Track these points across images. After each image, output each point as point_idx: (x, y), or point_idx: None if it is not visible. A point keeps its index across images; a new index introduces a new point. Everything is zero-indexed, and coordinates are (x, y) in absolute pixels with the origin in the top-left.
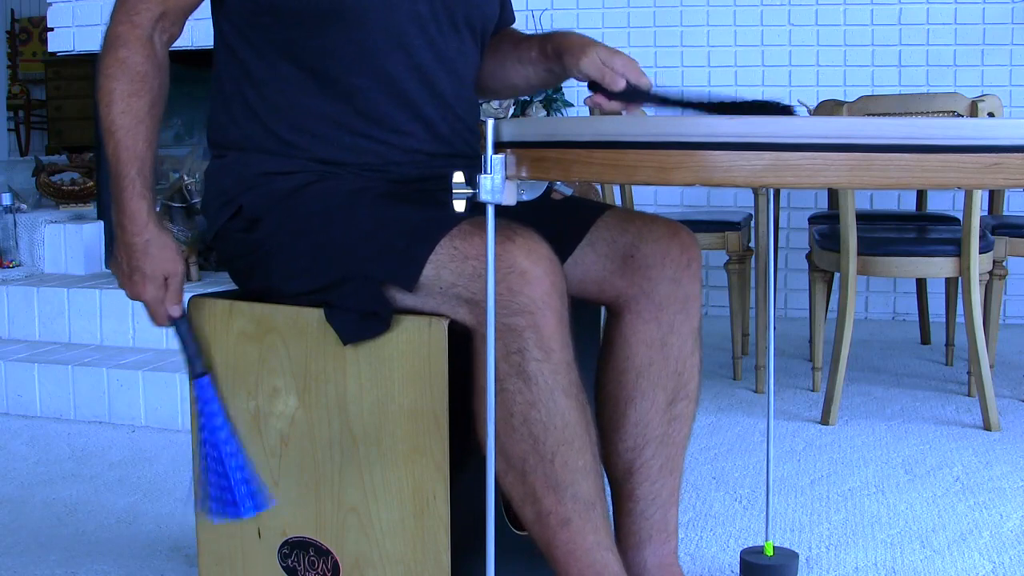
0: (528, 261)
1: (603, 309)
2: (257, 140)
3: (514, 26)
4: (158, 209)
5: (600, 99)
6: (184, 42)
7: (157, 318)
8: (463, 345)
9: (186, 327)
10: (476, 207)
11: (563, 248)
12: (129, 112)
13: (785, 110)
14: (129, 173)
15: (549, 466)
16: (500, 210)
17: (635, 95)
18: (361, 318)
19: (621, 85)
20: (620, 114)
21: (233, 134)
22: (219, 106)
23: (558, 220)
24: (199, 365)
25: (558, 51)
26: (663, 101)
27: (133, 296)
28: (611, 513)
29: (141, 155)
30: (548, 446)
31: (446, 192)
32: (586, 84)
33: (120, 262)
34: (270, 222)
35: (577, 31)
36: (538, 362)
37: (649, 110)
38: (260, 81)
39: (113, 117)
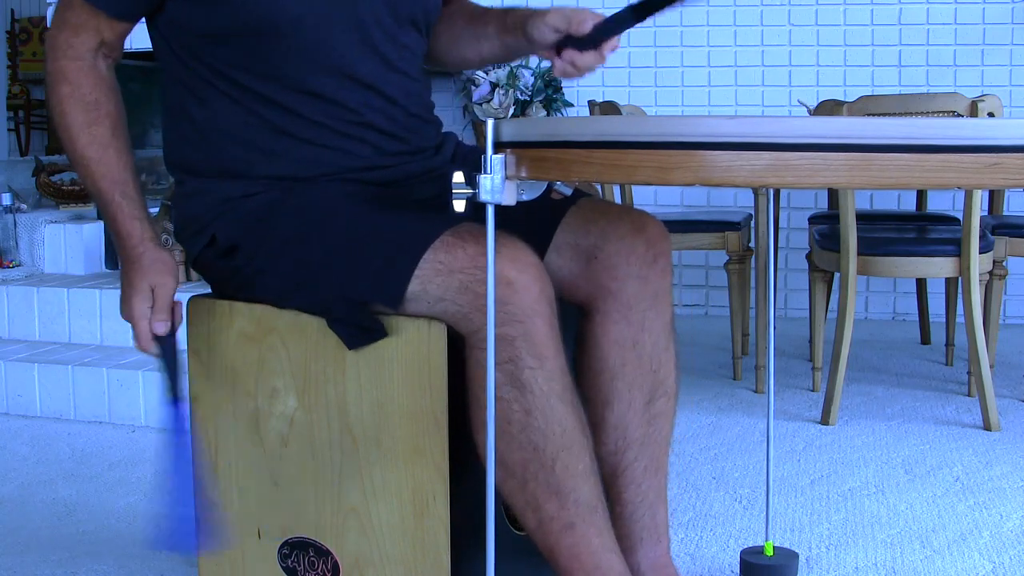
0: (514, 270)
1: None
2: (209, 161)
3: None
4: (156, 211)
5: (571, 54)
6: None
7: (140, 337)
8: (462, 345)
9: (170, 350)
10: (476, 207)
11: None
12: (94, 142)
13: None
14: (114, 199)
15: (550, 472)
16: (479, 216)
17: (603, 29)
18: (358, 327)
19: (588, 26)
20: (596, 65)
21: (187, 155)
22: (170, 126)
23: (528, 221)
24: (179, 393)
25: (520, 22)
26: (636, 13)
27: (124, 315)
28: None
29: (120, 179)
30: (548, 453)
31: (421, 190)
32: (550, 64)
33: (121, 285)
34: (247, 248)
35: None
36: (532, 370)
37: (651, 110)
38: (203, 100)
39: (80, 151)
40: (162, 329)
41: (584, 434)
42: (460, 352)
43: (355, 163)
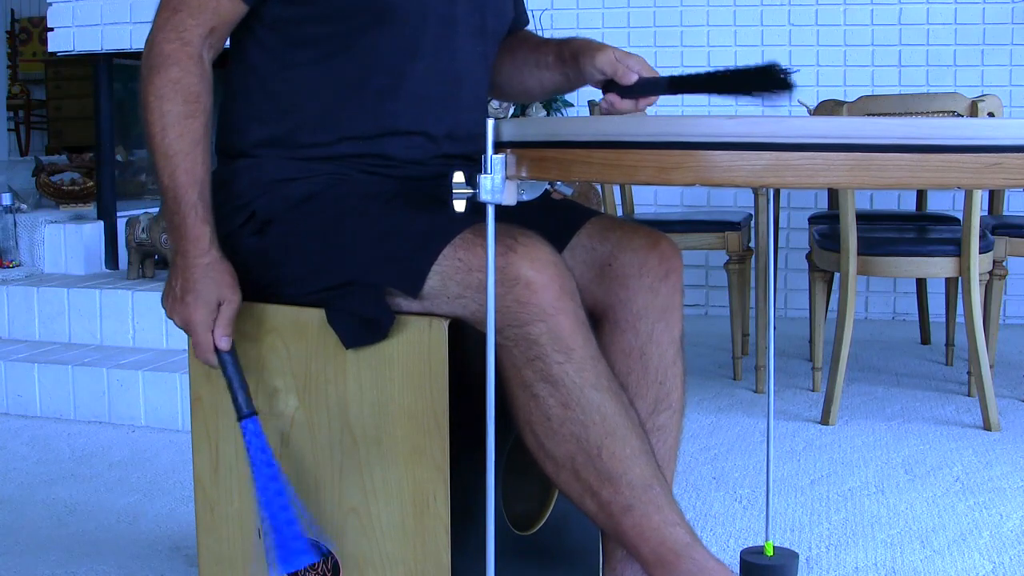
0: (532, 270)
1: None
2: (278, 138)
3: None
4: (157, 210)
5: (613, 98)
6: None
7: (202, 347)
8: (463, 345)
9: (233, 364)
10: (476, 207)
11: None
12: (187, 135)
13: (784, 79)
14: (191, 198)
15: (598, 460)
16: (498, 212)
17: (647, 86)
18: (363, 323)
19: (633, 79)
20: (632, 112)
21: (252, 134)
22: (236, 107)
23: (546, 221)
24: (245, 406)
25: (575, 54)
26: (672, 86)
27: (183, 320)
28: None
29: (201, 179)
30: (592, 442)
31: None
32: (600, 92)
33: (174, 288)
34: (282, 226)
35: (581, 32)
36: (560, 364)
37: (651, 109)
38: (285, 79)
39: (170, 141)
40: (226, 344)
41: (627, 416)
42: (462, 352)
43: (415, 155)
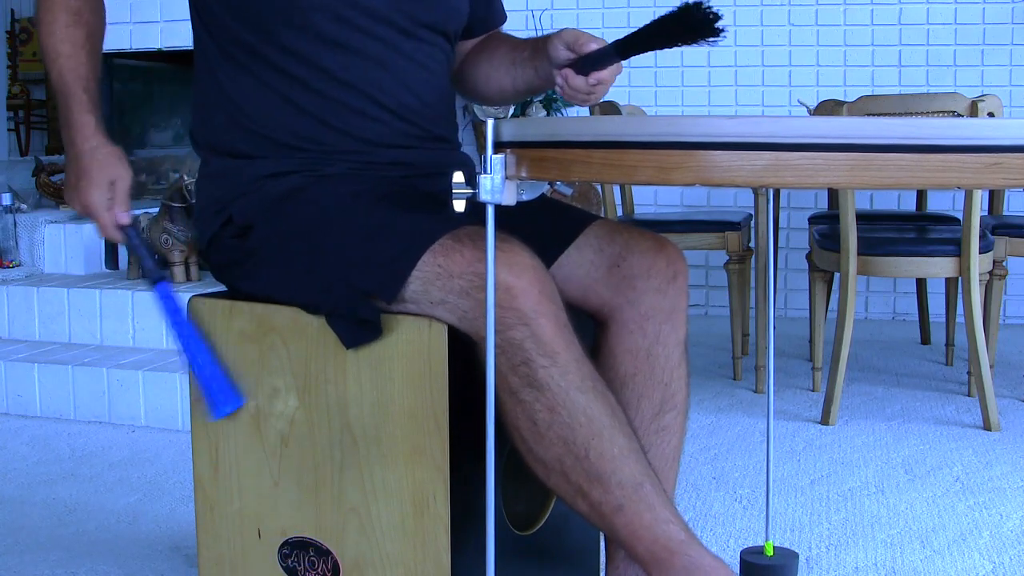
0: (511, 275)
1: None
2: (237, 136)
3: (510, 30)
4: (157, 211)
5: (567, 72)
6: (184, 42)
7: (106, 227)
8: (463, 345)
9: (136, 235)
10: (475, 207)
11: (551, 250)
12: (68, 40)
13: (705, 17)
14: (75, 92)
15: (586, 461)
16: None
17: (597, 57)
18: (360, 323)
19: (592, 47)
20: (582, 92)
21: (214, 133)
22: (199, 106)
23: (549, 222)
24: (156, 271)
25: (544, 42)
26: (619, 51)
27: (81, 206)
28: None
29: (85, 75)
30: (579, 444)
31: (433, 181)
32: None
33: (69, 178)
34: (262, 228)
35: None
36: (545, 368)
37: (651, 110)
38: (232, 78)
39: (54, 44)
40: (126, 219)
41: (613, 416)
42: (461, 352)
43: (368, 135)
